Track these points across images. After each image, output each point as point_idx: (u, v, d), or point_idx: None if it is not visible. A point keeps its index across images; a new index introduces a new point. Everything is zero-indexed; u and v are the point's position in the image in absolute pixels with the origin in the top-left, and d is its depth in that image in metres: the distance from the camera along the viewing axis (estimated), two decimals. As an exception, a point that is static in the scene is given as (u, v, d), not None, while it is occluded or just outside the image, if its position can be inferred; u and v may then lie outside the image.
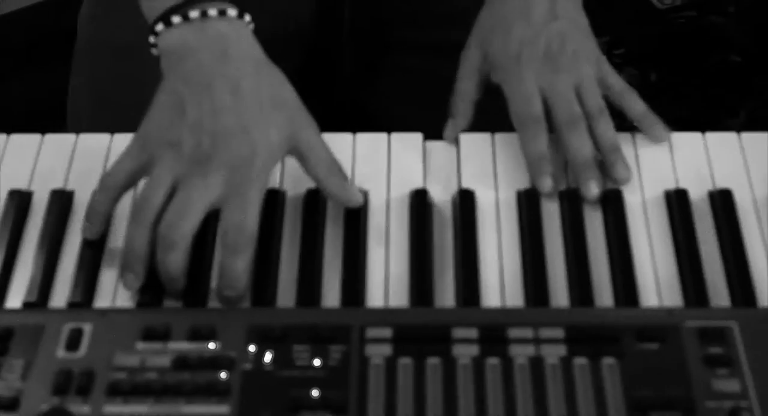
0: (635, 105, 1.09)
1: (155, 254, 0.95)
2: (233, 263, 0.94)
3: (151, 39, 1.03)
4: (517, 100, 1.06)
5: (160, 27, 1.02)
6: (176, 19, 1.01)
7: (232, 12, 1.02)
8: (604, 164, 1.05)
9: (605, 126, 1.05)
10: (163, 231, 0.94)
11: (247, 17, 1.03)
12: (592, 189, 1.02)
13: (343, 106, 1.27)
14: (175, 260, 0.94)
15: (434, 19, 1.23)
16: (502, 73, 1.08)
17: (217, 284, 0.96)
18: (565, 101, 1.05)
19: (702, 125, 1.12)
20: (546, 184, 1.03)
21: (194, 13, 1.01)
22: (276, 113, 0.98)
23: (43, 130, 1.11)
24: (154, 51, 1.04)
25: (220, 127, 0.96)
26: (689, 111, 2.32)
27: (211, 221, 0.99)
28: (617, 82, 1.09)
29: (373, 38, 1.28)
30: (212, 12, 1.01)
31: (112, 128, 1.10)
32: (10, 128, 1.12)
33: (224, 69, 0.99)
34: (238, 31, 1.02)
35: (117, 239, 1.01)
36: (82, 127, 1.31)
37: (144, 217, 0.95)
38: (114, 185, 0.99)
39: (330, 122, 1.07)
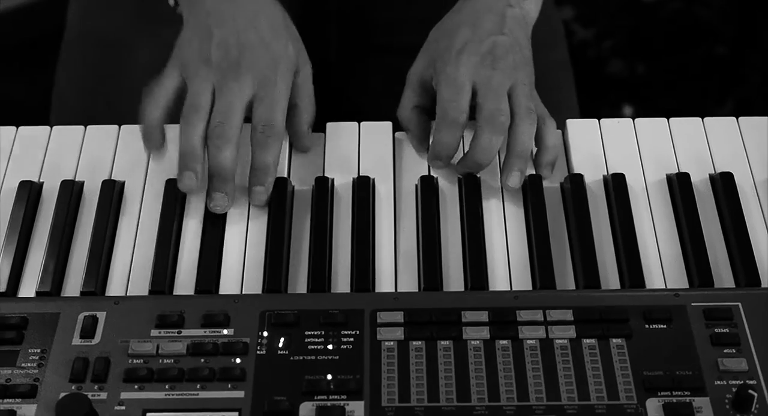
0: (550, 134, 1.07)
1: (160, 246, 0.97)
2: (263, 157, 1.02)
3: None
4: (447, 87, 1.06)
5: None
6: None
7: None
8: (504, 164, 1.05)
9: (527, 127, 1.05)
10: (212, 132, 1.01)
11: None
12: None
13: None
14: (230, 155, 1.01)
15: (415, 24, 1.24)
16: (440, 65, 1.08)
17: (249, 181, 1.03)
18: (494, 96, 1.05)
19: (690, 115, 1.13)
20: (438, 166, 1.07)
21: None
22: (289, 37, 1.08)
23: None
24: (170, 1, 1.11)
25: (244, 41, 1.05)
26: (677, 101, 2.34)
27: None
28: (541, 108, 1.09)
29: (356, 39, 1.30)
30: None
31: (96, 120, 1.12)
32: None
33: (241, 4, 1.08)
34: None
35: (129, 228, 1.02)
36: (66, 119, 1.33)
37: (195, 118, 1.02)
38: (157, 99, 1.05)
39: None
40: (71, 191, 1.03)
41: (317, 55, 1.12)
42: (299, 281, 0.98)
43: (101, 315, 0.92)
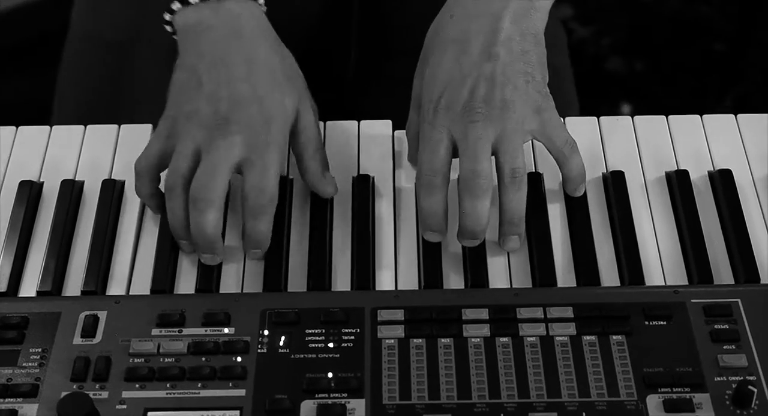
0: (573, 164, 1.01)
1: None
2: (256, 226, 0.97)
3: (167, 16, 1.04)
4: (424, 147, 0.98)
5: (176, 5, 1.03)
6: None
7: None
8: (499, 230, 0.99)
9: (513, 194, 0.97)
10: (194, 193, 0.96)
11: (261, 0, 1.05)
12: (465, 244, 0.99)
13: (340, 107, 1.28)
14: (212, 219, 0.96)
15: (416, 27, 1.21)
16: (421, 117, 1.01)
17: (243, 246, 0.99)
18: (471, 155, 0.96)
19: (689, 112, 1.13)
20: (431, 238, 0.99)
21: None
22: (288, 85, 1.01)
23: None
24: (168, 28, 1.05)
25: (236, 95, 0.98)
26: (676, 99, 2.34)
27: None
28: (559, 135, 1.00)
29: (378, 43, 1.29)
30: None
31: (97, 121, 1.12)
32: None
33: (238, 44, 1.01)
34: (251, 11, 1.04)
35: (129, 227, 1.02)
36: (68, 121, 1.33)
37: (177, 186, 0.97)
38: (145, 168, 1.01)
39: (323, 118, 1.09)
40: (71, 190, 1.03)
41: (337, 63, 1.08)
42: (299, 280, 0.98)
43: (102, 315, 0.93)
